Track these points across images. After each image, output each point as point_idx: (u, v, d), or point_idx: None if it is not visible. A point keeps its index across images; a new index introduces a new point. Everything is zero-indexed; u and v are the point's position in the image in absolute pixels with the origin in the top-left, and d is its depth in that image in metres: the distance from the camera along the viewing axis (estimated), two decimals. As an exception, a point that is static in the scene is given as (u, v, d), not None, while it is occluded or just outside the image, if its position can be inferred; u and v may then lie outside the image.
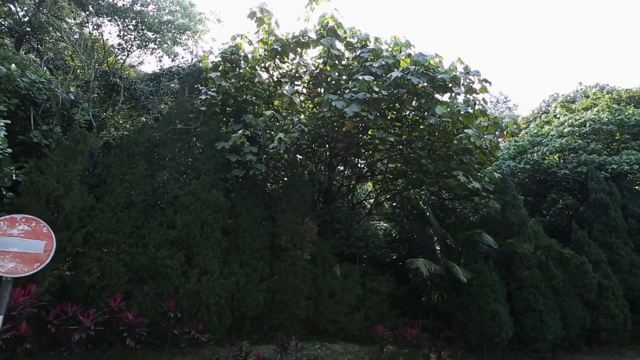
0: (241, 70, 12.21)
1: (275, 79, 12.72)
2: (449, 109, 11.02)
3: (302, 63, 12.01)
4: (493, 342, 10.33)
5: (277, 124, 11.33)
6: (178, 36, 19.71)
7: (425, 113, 11.15)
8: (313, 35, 12.27)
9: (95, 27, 18.77)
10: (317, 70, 11.66)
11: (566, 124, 17.26)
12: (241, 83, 12.11)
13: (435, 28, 77.58)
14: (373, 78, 10.59)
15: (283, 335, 9.57)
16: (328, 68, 11.91)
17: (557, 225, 14.68)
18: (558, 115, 20.01)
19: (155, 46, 20.24)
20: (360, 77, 10.56)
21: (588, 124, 16.50)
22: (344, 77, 11.96)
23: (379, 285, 11.75)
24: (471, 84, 12.26)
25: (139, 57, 22.14)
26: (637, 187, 14.27)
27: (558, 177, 14.74)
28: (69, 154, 8.90)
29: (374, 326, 10.57)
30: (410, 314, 12.48)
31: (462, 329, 10.92)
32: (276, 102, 12.59)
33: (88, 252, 8.28)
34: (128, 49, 19.65)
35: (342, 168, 16.38)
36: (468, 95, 13.22)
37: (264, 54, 12.22)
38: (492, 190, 13.46)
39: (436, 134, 12.89)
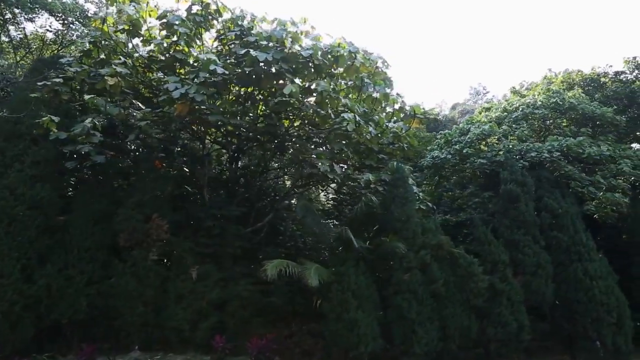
0: (103, 56, 11.17)
1: (142, 64, 11.62)
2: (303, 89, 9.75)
3: (159, 45, 10.86)
4: (350, 356, 8.99)
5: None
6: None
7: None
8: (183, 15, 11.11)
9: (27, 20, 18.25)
10: (173, 52, 10.50)
11: (499, 109, 15.61)
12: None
13: (424, 23, 75.29)
14: (214, 57, 9.43)
15: (85, 345, 8.56)
16: (186, 49, 10.78)
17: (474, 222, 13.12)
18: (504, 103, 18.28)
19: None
20: (203, 57, 9.40)
21: (520, 109, 14.83)
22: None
23: (240, 289, 10.52)
24: (352, 63, 11.02)
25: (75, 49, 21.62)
26: (561, 177, 12.54)
27: (475, 167, 13.19)
28: None
29: (215, 336, 9.41)
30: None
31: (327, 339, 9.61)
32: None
33: None
34: (59, 42, 19.03)
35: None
36: (367, 80, 12.03)
37: (122, 37, 11.15)
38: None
39: (316, 119, 11.64)
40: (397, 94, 33.11)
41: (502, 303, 10.07)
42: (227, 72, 9.30)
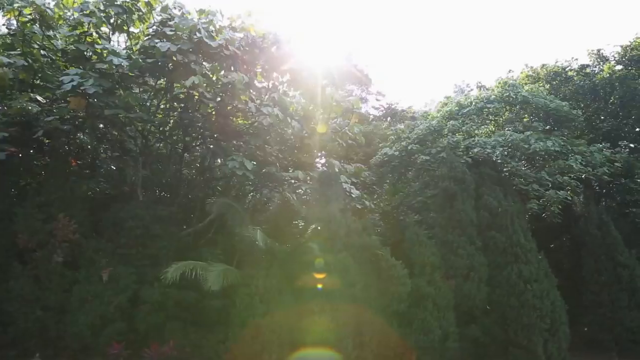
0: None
1: (61, 57, 11.16)
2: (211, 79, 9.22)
3: (71, 37, 10.39)
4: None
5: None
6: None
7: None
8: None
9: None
10: (78, 44, 10.01)
11: (453, 103, 14.95)
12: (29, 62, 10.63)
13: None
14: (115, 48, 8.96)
15: None
16: (98, 41, 10.28)
17: (420, 222, 12.48)
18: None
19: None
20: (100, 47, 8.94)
21: (474, 103, 14.16)
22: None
23: (155, 292, 9.97)
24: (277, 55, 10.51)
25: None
26: (507, 174, 11.85)
27: (418, 164, 12.56)
28: None
29: (114, 343, 8.88)
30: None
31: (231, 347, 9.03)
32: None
33: None
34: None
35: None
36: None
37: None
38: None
39: (238, 114, 11.11)
40: (378, 92, 31.82)
41: (427, 308, 9.43)
42: (125, 64, 8.78)
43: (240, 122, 12.04)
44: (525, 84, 16.85)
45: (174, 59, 9.43)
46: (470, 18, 63.86)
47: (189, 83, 8.75)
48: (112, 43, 11.89)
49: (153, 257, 11.05)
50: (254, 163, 11.69)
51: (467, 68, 63.35)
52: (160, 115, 12.50)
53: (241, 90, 9.56)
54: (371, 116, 27.19)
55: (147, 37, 10.62)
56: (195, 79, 8.78)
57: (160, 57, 9.33)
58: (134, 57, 9.24)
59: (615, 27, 55.76)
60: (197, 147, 13.70)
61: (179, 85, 10.30)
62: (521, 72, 18.33)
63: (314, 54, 12.37)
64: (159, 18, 11.14)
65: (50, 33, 10.94)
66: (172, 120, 12.40)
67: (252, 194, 15.14)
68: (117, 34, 11.82)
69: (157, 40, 9.24)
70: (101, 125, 11.46)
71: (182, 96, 9.84)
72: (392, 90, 58.93)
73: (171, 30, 9.32)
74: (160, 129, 11.44)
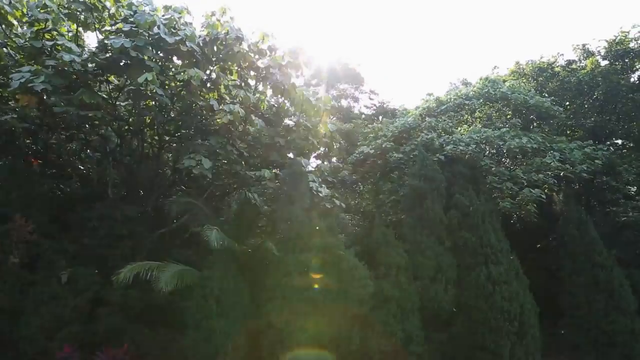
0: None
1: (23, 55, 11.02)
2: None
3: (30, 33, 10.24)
4: (207, 368, 8.17)
5: None
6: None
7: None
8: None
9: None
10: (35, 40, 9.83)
11: (432, 100, 14.62)
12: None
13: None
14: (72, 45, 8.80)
15: None
16: (59, 38, 10.13)
17: (394, 222, 12.21)
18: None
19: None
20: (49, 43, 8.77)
21: (452, 100, 13.81)
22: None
23: (116, 294, 9.77)
24: (238, 50, 10.28)
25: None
26: (482, 172, 11.49)
27: (392, 162, 12.25)
28: None
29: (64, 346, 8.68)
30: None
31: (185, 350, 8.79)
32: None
33: None
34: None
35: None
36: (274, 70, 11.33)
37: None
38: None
39: (203, 111, 10.88)
40: (371, 91, 31.49)
41: (390, 310, 9.12)
42: (77, 61, 8.58)
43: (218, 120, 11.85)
44: (511, 80, 16.49)
45: (131, 55, 9.22)
46: (469, 16, 63.27)
47: (142, 80, 8.54)
48: (86, 41, 11.82)
49: (123, 258, 10.87)
50: (225, 161, 11.61)
51: (466, 67, 62.79)
52: (134, 115, 12.33)
53: (199, 87, 9.33)
54: (363, 115, 27.00)
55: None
56: (148, 76, 8.57)
57: (117, 54, 9.14)
58: (87, 54, 9.05)
59: (607, 23, 54.86)
60: (174, 146, 13.52)
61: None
62: (507, 69, 17.96)
63: (293, 51, 12.13)
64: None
65: (18, 31, 10.83)
66: (147, 119, 12.22)
67: (234, 193, 14.91)
68: (89, 32, 11.70)
69: (112, 37, 9.05)
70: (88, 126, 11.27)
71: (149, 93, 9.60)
72: (392, 90, 58.55)
73: (130, 26, 9.11)
74: (131, 128, 11.24)
